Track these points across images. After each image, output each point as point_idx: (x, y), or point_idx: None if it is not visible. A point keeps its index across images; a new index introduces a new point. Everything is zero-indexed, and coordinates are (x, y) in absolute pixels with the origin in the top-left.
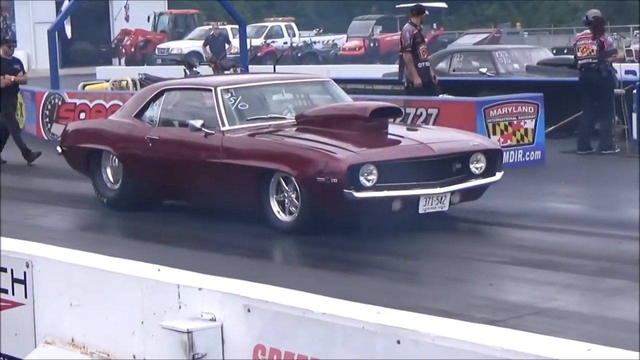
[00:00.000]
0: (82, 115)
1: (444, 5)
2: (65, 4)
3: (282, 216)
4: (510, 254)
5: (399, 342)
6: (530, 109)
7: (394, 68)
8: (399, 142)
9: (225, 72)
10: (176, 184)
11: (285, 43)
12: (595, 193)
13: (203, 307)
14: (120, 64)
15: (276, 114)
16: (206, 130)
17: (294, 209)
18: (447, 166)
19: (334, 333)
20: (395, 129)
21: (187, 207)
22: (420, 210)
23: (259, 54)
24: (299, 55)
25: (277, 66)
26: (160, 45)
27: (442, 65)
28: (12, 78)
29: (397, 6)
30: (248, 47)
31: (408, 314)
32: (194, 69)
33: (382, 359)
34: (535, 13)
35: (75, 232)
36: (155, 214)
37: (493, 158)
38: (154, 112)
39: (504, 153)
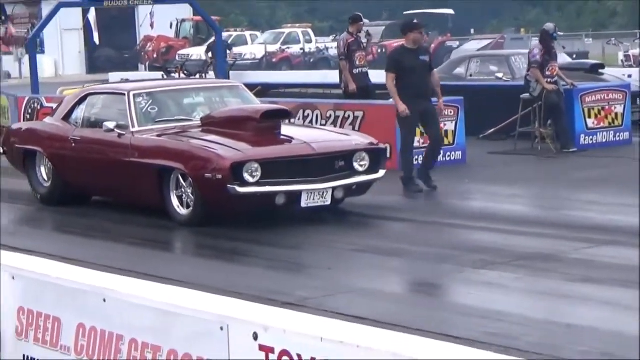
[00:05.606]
0: None
1: (450, 11)
2: (92, 12)
3: (180, 210)
4: (369, 243)
5: (104, 300)
6: (451, 112)
7: None
8: (287, 141)
9: (192, 77)
10: (95, 181)
11: (302, 49)
12: (489, 191)
13: None
14: (146, 69)
15: (184, 117)
16: (119, 131)
17: (191, 203)
18: (329, 164)
19: (69, 295)
20: (290, 130)
21: (113, 203)
22: (303, 205)
23: (274, 60)
24: (312, 60)
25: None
26: (181, 52)
27: (460, 70)
28: None
29: (404, 12)
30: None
31: (115, 277)
32: (172, 74)
33: (93, 314)
34: (579, 17)
35: (8, 225)
36: (83, 209)
37: (377, 156)
38: (78, 114)
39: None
